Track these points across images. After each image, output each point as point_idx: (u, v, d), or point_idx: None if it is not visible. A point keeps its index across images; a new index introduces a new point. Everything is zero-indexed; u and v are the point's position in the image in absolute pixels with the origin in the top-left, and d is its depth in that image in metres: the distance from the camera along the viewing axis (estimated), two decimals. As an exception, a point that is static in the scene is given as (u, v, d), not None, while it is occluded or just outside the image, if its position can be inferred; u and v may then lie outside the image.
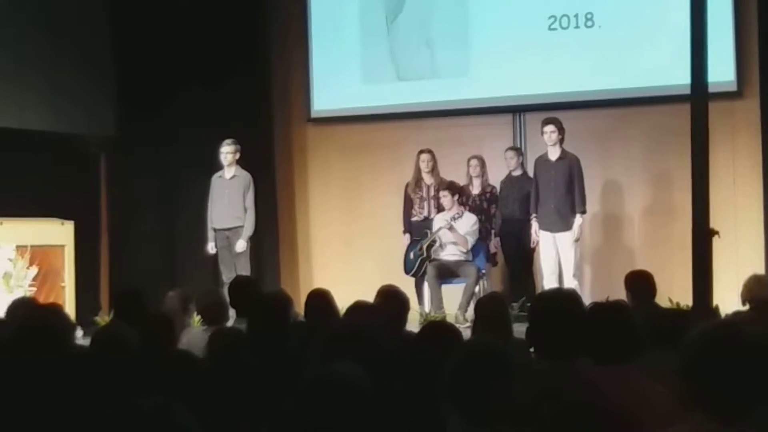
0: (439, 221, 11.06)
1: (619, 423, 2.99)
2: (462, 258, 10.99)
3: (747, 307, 7.17)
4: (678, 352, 3.17)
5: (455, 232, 10.92)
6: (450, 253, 11.01)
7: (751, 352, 3.07)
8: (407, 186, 11.50)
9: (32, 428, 3.51)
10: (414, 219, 11.39)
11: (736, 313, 6.34)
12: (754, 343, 3.10)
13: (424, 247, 11.06)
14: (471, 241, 10.96)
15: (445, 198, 10.98)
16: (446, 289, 10.96)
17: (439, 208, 11.18)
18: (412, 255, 11.17)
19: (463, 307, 10.58)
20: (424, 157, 11.38)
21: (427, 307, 10.79)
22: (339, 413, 3.09)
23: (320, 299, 6.27)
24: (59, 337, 4.79)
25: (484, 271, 11.07)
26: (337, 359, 3.60)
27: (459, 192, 11.10)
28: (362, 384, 3.23)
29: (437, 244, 11.06)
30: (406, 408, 3.75)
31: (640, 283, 7.32)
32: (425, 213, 11.31)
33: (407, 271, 11.13)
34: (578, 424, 2.96)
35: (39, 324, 4.95)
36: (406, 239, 11.41)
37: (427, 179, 11.38)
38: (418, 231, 11.29)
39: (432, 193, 11.32)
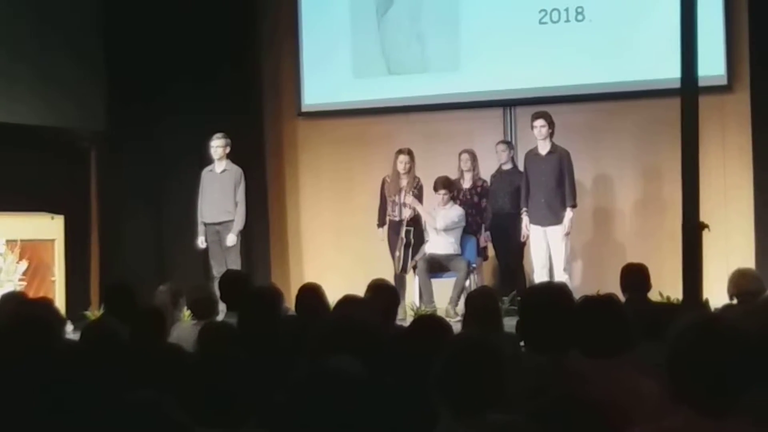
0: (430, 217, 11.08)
1: (608, 416, 3.00)
2: (452, 252, 11.00)
3: (735, 301, 7.18)
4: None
5: (411, 206, 11.02)
6: (440, 247, 11.00)
7: (732, 345, 3.08)
8: (384, 182, 11.44)
9: (22, 423, 3.50)
10: (389, 219, 11.37)
11: (726, 307, 6.36)
12: (735, 335, 3.11)
13: (402, 234, 11.05)
14: (442, 223, 10.95)
15: (445, 196, 10.95)
16: (436, 283, 10.97)
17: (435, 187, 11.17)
18: (398, 252, 11.13)
19: (454, 301, 10.59)
20: (402, 158, 11.22)
21: (413, 302, 10.78)
22: (336, 406, 3.09)
23: (311, 294, 6.27)
24: (49, 332, 4.78)
25: (474, 265, 11.07)
26: (334, 352, 3.60)
27: (454, 188, 11.10)
28: (359, 378, 3.23)
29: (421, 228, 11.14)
30: (398, 402, 3.75)
31: (634, 276, 7.32)
32: (397, 217, 11.28)
33: (400, 270, 11.07)
34: (567, 417, 2.97)
35: (28, 318, 4.94)
36: (382, 233, 11.39)
37: (403, 181, 11.24)
38: (395, 228, 11.26)
39: (402, 200, 11.24)
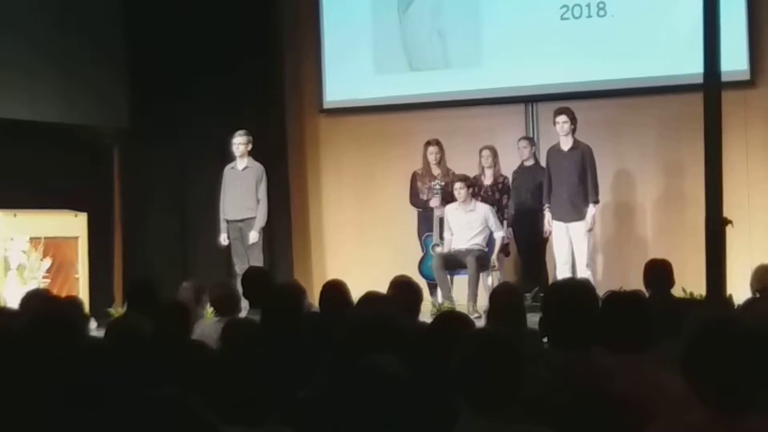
0: (450, 211, 11.03)
1: (630, 412, 3.00)
2: (467, 247, 10.91)
3: (758, 296, 7.14)
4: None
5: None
6: (461, 243, 10.93)
7: (746, 344, 3.08)
8: (415, 174, 11.49)
9: (47, 419, 3.52)
10: (420, 209, 11.43)
11: (750, 302, 6.32)
12: (748, 334, 3.11)
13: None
14: (493, 224, 10.95)
15: (462, 190, 10.89)
16: (459, 279, 10.96)
17: (445, 199, 11.14)
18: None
19: (471, 298, 10.53)
20: (432, 149, 11.37)
21: (439, 298, 10.78)
22: (370, 404, 3.10)
23: (335, 290, 6.26)
24: (72, 329, 4.80)
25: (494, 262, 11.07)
26: (362, 350, 3.60)
27: (473, 184, 11.08)
28: (401, 377, 3.24)
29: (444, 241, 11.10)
30: (420, 398, 3.76)
31: (658, 272, 7.31)
32: (431, 202, 11.29)
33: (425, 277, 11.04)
34: (590, 414, 2.96)
35: (52, 315, 4.96)
36: (417, 213, 11.49)
37: (435, 170, 11.37)
38: (426, 222, 11.30)
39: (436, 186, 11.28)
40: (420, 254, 11.29)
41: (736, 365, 3.05)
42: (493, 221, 10.94)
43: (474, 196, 11.20)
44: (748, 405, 3.07)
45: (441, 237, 11.11)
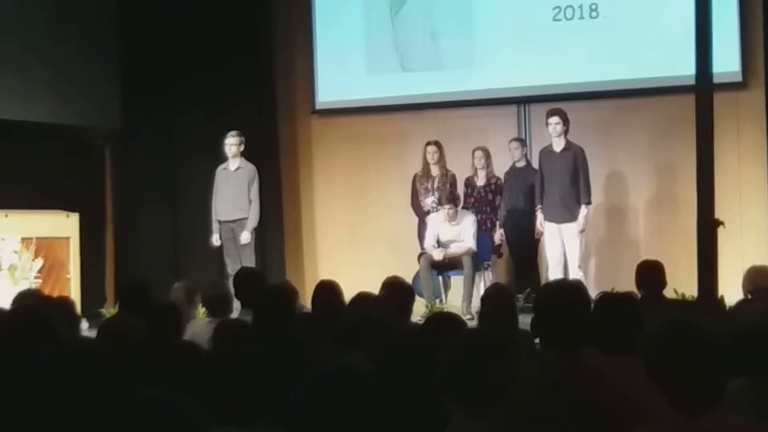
0: (436, 224, 11.00)
1: (621, 412, 3.01)
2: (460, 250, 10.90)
3: (750, 297, 7.15)
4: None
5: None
6: (452, 246, 10.92)
7: (704, 346, 3.11)
8: (415, 176, 11.51)
9: (38, 419, 3.51)
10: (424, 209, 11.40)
11: (741, 303, 6.33)
12: (704, 337, 3.13)
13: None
14: (471, 236, 10.89)
15: (451, 210, 10.87)
16: (453, 280, 10.96)
17: (440, 201, 11.10)
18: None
19: (467, 299, 10.52)
20: (430, 149, 11.39)
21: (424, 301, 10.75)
22: (346, 405, 3.09)
23: (327, 291, 6.26)
24: (56, 329, 4.79)
25: (488, 263, 11.05)
26: (350, 350, 3.60)
27: (458, 204, 11.00)
28: (369, 376, 3.23)
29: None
30: (411, 400, 3.76)
31: (650, 273, 7.31)
32: (429, 204, 11.29)
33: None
34: (581, 414, 2.97)
35: (37, 316, 4.95)
36: (417, 222, 11.48)
37: (434, 170, 11.38)
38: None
39: (437, 184, 11.30)
40: (416, 266, 11.23)
41: (695, 366, 3.08)
42: (471, 233, 10.86)
43: (467, 196, 11.23)
44: (712, 404, 3.10)
45: (423, 247, 11.10)
